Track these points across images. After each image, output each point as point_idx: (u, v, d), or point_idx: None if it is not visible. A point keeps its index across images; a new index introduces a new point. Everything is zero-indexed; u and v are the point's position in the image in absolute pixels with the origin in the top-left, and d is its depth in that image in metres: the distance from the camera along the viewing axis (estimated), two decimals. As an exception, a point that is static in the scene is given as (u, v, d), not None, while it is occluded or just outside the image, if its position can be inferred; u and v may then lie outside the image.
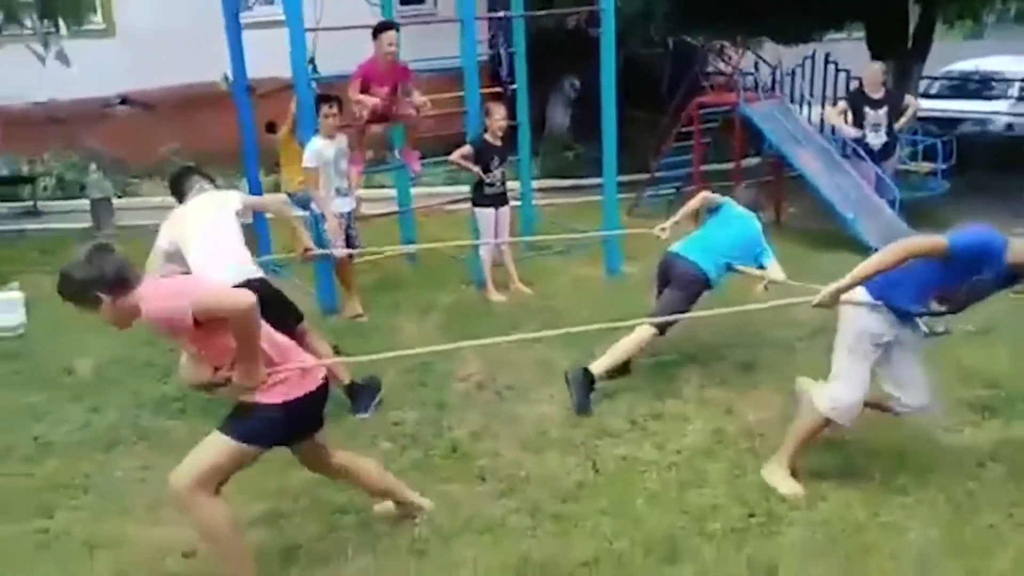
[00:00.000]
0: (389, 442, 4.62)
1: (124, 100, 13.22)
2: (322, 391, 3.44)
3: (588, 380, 4.96)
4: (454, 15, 7.58)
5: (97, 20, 11.91)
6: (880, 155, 8.89)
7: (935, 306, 3.71)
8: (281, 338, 3.46)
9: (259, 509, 3.98)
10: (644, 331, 5.00)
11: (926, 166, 10.12)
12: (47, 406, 5.20)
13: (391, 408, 5.00)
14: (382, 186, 9.80)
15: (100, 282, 3.12)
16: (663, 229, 5.62)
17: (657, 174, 10.97)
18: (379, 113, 6.90)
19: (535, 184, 9.48)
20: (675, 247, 5.39)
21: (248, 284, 4.30)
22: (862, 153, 8.89)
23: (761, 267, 5.29)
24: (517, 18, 8.36)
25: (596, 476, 4.19)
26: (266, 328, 3.31)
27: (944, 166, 9.91)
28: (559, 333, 4.40)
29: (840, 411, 3.82)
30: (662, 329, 5.04)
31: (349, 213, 6.61)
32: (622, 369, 5.20)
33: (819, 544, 3.50)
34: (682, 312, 5.01)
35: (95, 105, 12.75)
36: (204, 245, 4.53)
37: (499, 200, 7.16)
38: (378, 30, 6.69)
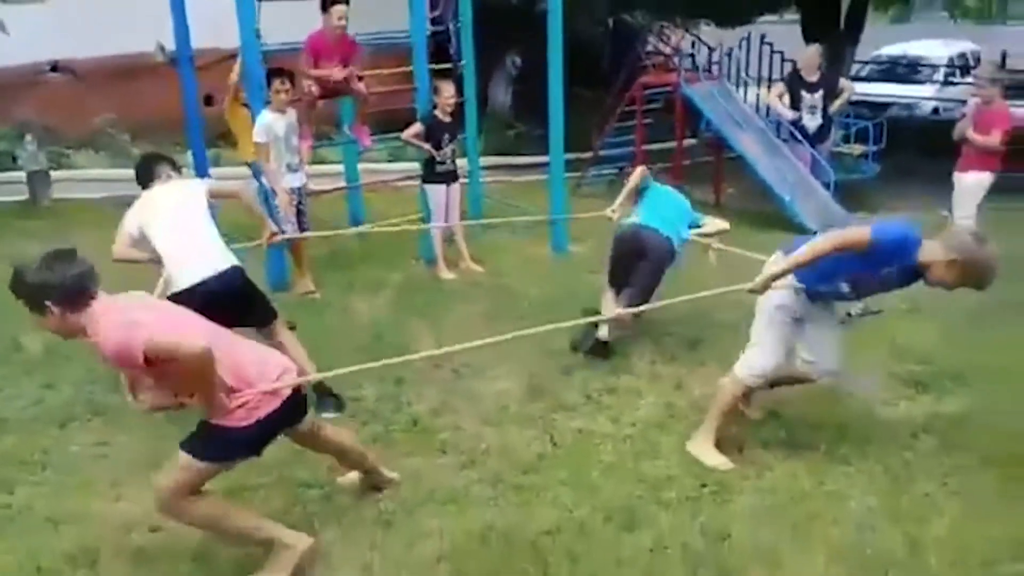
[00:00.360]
0: (349, 417, 4.68)
1: (55, 67, 12.80)
2: (289, 403, 3.31)
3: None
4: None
5: (25, -17, 11.49)
6: (815, 137, 9.19)
7: (844, 288, 3.89)
8: (245, 357, 3.27)
9: (225, 483, 4.00)
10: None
11: (858, 148, 10.50)
12: (-2, 383, 5.13)
13: (349, 386, 5.05)
14: (323, 162, 9.74)
15: (54, 292, 3.02)
16: (613, 211, 5.75)
17: (600, 153, 11.14)
18: (329, 88, 6.89)
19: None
20: (636, 219, 5.52)
21: (221, 276, 4.33)
22: (798, 135, 9.18)
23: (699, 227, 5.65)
24: (464, -7, 8.37)
25: (554, 448, 4.33)
26: (226, 351, 3.16)
27: (875, 149, 10.30)
28: (549, 329, 4.32)
29: (756, 375, 4.07)
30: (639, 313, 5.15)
31: (299, 188, 6.61)
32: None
33: (768, 511, 3.70)
34: (655, 284, 5.31)
35: (26, 73, 12.34)
36: (173, 233, 4.37)
37: (450, 177, 7.22)
38: (327, 3, 6.65)
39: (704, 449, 4.15)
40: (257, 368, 3.28)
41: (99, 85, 12.36)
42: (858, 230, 3.67)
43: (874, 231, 3.61)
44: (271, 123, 6.30)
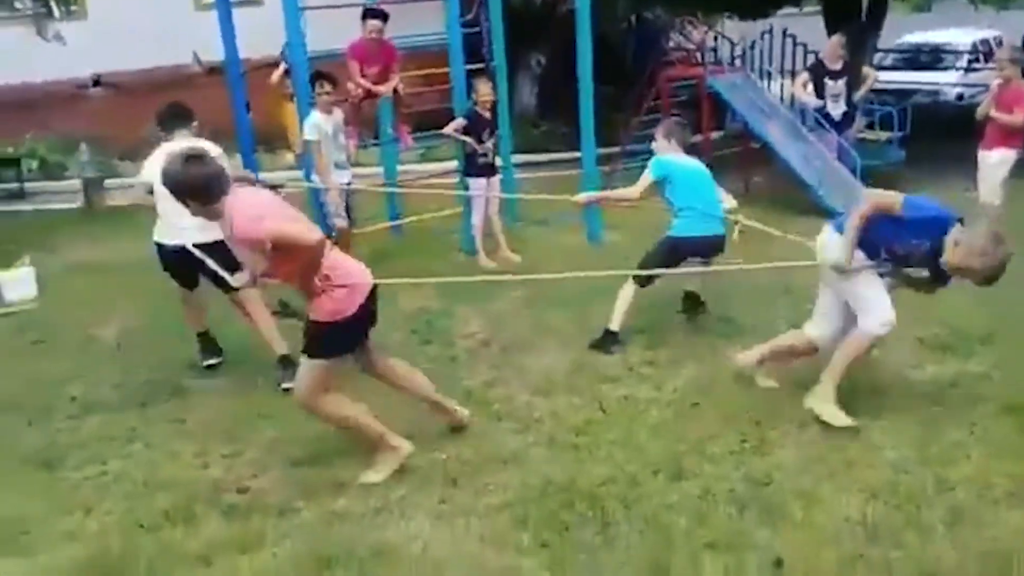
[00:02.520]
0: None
1: (97, 82, 13.31)
2: (366, 309, 3.95)
3: None
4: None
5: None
6: (841, 124, 9.42)
7: (883, 256, 4.22)
8: (334, 257, 3.94)
9: (299, 453, 4.34)
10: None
11: (884, 135, 10.70)
12: (78, 370, 5.51)
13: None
14: (357, 164, 10.06)
15: (185, 191, 3.75)
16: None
17: (628, 147, 11.41)
18: (369, 91, 7.27)
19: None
20: (688, 231, 5.43)
21: (207, 246, 4.56)
22: (824, 123, 9.41)
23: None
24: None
25: (602, 414, 4.62)
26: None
27: (900, 134, 10.49)
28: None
29: (885, 324, 4.23)
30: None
31: (348, 184, 6.96)
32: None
33: (807, 460, 3.98)
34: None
35: (68, 87, 12.85)
36: (163, 194, 4.40)
37: (490, 170, 7.56)
38: (363, 17, 7.07)
39: (825, 405, 4.28)
40: (342, 265, 3.94)
41: (139, 97, 12.81)
42: (890, 193, 4.14)
43: (905, 199, 4.06)
44: (320, 122, 6.66)
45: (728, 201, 5.91)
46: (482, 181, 7.51)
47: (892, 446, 4.07)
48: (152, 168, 4.80)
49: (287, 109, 7.75)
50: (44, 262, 7.54)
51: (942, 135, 11.72)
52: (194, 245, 4.58)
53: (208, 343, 5.56)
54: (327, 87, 6.77)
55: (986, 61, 15.49)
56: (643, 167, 5.66)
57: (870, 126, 10.95)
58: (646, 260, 5.50)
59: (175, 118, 5.32)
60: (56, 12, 9.03)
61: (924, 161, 10.49)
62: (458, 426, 4.44)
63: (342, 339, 3.96)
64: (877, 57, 13.89)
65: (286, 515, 3.79)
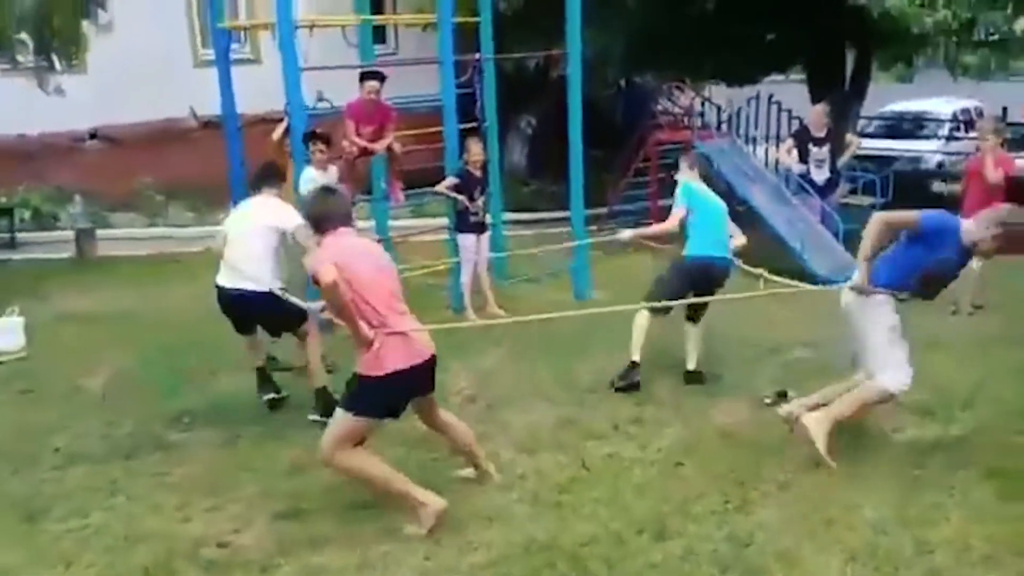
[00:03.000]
0: (401, 447, 4.99)
1: (94, 135, 13.44)
2: (423, 366, 4.00)
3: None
4: (416, 55, 8.03)
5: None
6: (824, 189, 9.61)
7: (919, 286, 4.39)
8: (392, 306, 3.99)
9: (281, 507, 4.34)
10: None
11: (866, 200, 10.89)
12: (64, 421, 5.49)
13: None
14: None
15: (306, 213, 4.35)
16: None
17: (616, 207, 11.59)
18: (364, 149, 7.41)
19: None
20: (700, 251, 5.77)
21: (240, 293, 5.30)
22: (808, 188, 9.60)
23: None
24: (487, 60, 8.91)
25: (587, 472, 4.64)
26: (377, 292, 3.93)
27: (882, 200, 10.69)
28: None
29: (901, 387, 4.49)
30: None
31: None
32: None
33: (788, 520, 4.01)
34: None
35: (64, 139, 12.96)
36: (232, 241, 5.41)
37: (480, 228, 7.67)
38: (362, 78, 7.25)
39: (820, 432, 4.47)
40: (398, 316, 4.01)
41: (134, 150, 12.95)
42: (907, 213, 4.41)
43: (921, 215, 4.33)
44: (314, 178, 6.76)
45: (739, 238, 6.04)
46: (472, 238, 7.61)
47: (872, 507, 4.10)
48: (229, 220, 5.61)
49: (288, 164, 7.85)
50: (34, 311, 7.54)
51: (923, 202, 11.93)
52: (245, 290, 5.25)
53: (264, 379, 5.72)
54: (320, 145, 6.90)
55: (966, 130, 15.82)
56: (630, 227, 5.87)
57: (853, 192, 11.16)
58: (656, 285, 5.76)
59: (265, 178, 5.78)
60: (58, 65, 9.14)
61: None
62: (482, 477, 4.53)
63: (375, 398, 3.96)
64: (860, 124, 14.17)
65: (267, 571, 3.78)
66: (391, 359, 3.90)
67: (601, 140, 15.34)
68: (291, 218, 5.30)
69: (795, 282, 5.93)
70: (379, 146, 7.34)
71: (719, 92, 15.33)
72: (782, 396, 5.43)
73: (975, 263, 7.29)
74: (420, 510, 4.00)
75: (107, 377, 6.23)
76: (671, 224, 5.94)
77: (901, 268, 4.39)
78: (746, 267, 5.89)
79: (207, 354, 6.55)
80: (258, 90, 8.92)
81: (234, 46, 12.69)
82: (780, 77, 16.04)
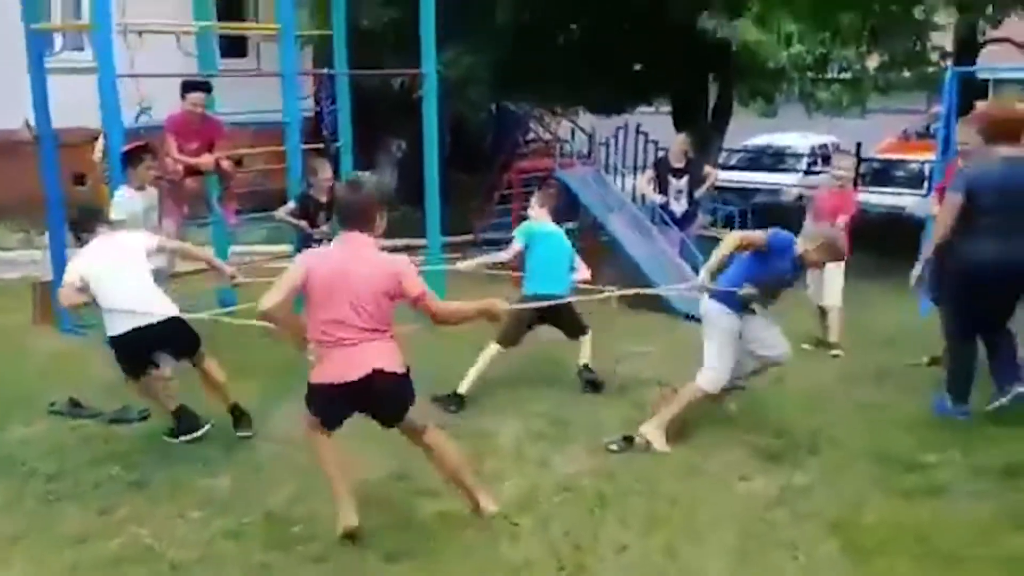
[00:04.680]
0: (198, 510, 4.44)
1: (-92, 145, 12.21)
2: (350, 387, 3.94)
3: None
4: (277, 70, 7.56)
5: None
6: (683, 221, 9.54)
7: (750, 289, 4.95)
8: (327, 324, 3.92)
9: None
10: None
11: (724, 232, 10.93)
12: None
13: (205, 474, 4.83)
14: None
15: None
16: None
17: (481, 235, 11.28)
18: (192, 167, 6.81)
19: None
20: (536, 288, 6.06)
21: (150, 326, 5.00)
22: (667, 219, 9.51)
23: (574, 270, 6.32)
24: (340, 75, 8.44)
25: (413, 533, 4.21)
26: (317, 311, 3.94)
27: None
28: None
29: (716, 387, 5.12)
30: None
31: (162, 269, 6.39)
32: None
33: (624, 589, 3.68)
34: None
35: None
36: (113, 285, 4.99)
37: (323, 255, 7.15)
38: (184, 90, 6.65)
39: (656, 435, 5.08)
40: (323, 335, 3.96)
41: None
42: (756, 233, 5.13)
43: (768, 235, 5.02)
44: (129, 200, 6.14)
45: (582, 272, 6.33)
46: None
47: (714, 569, 3.84)
48: (73, 270, 5.07)
49: (103, 191, 7.18)
50: None
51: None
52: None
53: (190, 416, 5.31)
54: (148, 160, 6.29)
55: (824, 164, 16.33)
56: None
57: (712, 223, 11.20)
58: (506, 326, 5.73)
59: (86, 224, 5.32)
60: None
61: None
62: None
63: (315, 401, 4.10)
64: (723, 157, 14.39)
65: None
66: (317, 373, 4.04)
67: (471, 165, 15.16)
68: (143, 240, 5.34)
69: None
70: (203, 161, 6.73)
71: (588, 120, 15.32)
72: (628, 441, 5.16)
73: (829, 301, 7.35)
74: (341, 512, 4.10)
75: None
76: (506, 256, 6.31)
77: (739, 276, 5.04)
78: (588, 286, 6.34)
79: (2, 399, 5.81)
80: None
81: (75, 52, 11.91)
82: (649, 108, 16.22)
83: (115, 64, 6.24)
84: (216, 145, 6.83)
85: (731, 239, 5.08)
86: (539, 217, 6.35)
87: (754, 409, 5.72)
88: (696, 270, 9.32)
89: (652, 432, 5.10)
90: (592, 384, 6.13)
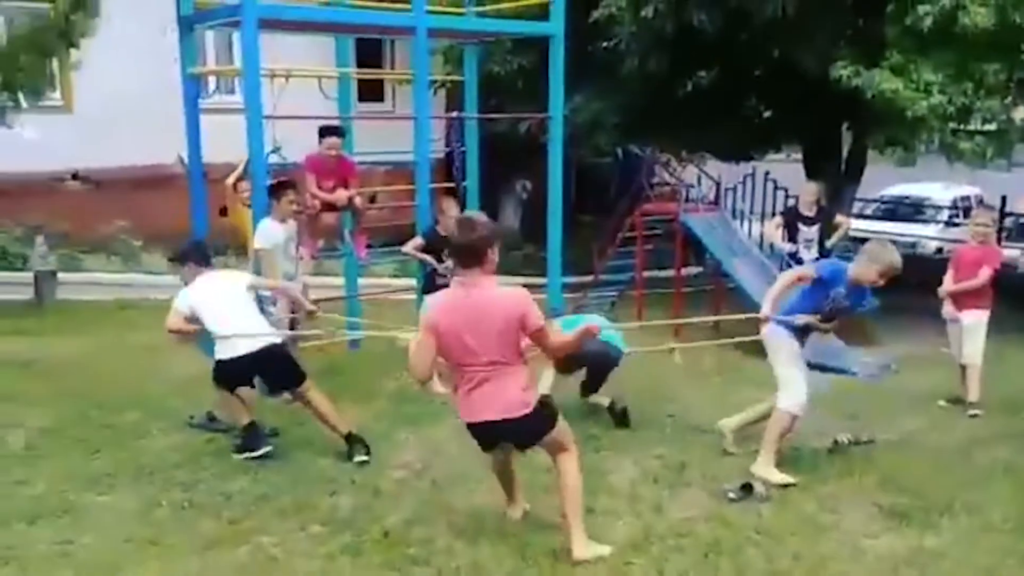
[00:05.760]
0: (320, 526, 4.60)
1: (75, 176, 13.23)
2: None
3: None
4: (411, 113, 7.86)
5: (55, 96, 11.99)
6: (813, 270, 9.27)
7: (808, 319, 5.22)
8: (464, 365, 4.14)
9: None
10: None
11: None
12: (-28, 475, 5.10)
13: (326, 493, 5.00)
14: (326, 274, 9.87)
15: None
16: None
17: (601, 277, 11.29)
18: (327, 203, 7.15)
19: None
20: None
21: (258, 353, 5.46)
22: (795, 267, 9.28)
23: None
24: (469, 119, 8.69)
25: (526, 567, 4.21)
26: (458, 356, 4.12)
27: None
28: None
29: (800, 404, 5.23)
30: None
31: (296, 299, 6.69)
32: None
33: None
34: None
35: (43, 179, 12.72)
36: (219, 313, 5.47)
37: (449, 291, 7.32)
38: (321, 134, 7.02)
39: (767, 470, 5.15)
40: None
41: (114, 194, 12.70)
42: (806, 268, 5.60)
43: (816, 268, 5.41)
44: (273, 231, 6.46)
45: None
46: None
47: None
48: (183, 301, 5.56)
49: (242, 214, 7.59)
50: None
51: (918, 287, 11.65)
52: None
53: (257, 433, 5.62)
54: (291, 196, 6.62)
55: (965, 217, 15.63)
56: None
57: (845, 274, 10.84)
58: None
59: (201, 257, 5.86)
60: (23, 103, 8.96)
61: (899, 311, 10.31)
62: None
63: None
64: (858, 207, 13.94)
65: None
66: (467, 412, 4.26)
67: (594, 207, 15.23)
68: (246, 277, 5.92)
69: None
70: (340, 198, 7.08)
71: (715, 166, 15.18)
72: (747, 489, 5.03)
73: (968, 359, 6.98)
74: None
75: (32, 430, 5.85)
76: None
77: (799, 306, 5.30)
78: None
79: (144, 412, 6.18)
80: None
81: (226, 95, 12.70)
82: (779, 156, 15.93)
83: (262, 106, 6.59)
84: (349, 183, 7.16)
85: (785, 276, 5.52)
86: None
87: (882, 465, 5.50)
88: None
89: (762, 468, 5.17)
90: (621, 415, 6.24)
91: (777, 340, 5.29)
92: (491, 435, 4.28)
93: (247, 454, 5.46)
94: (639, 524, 4.66)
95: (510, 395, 4.12)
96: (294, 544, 4.38)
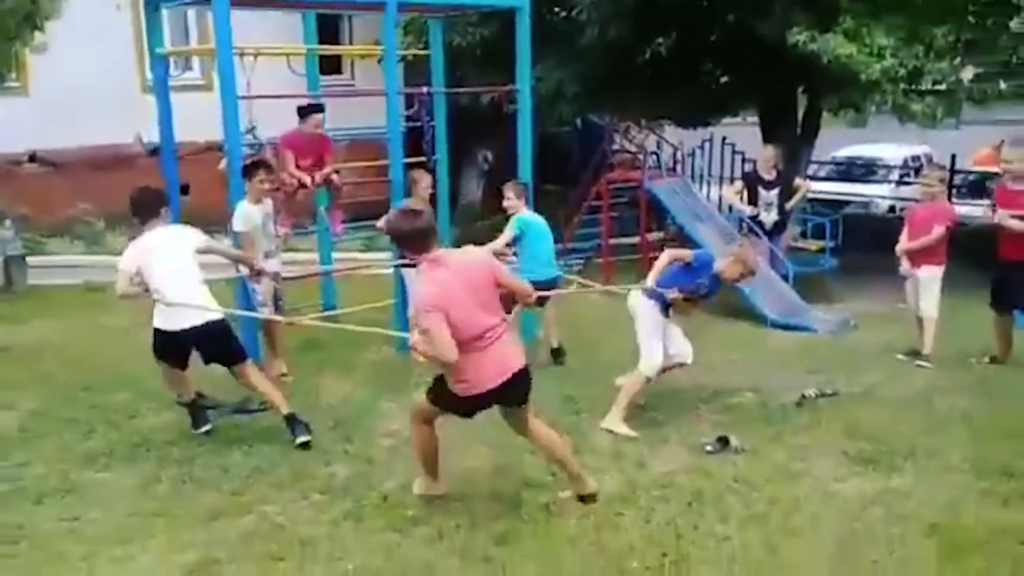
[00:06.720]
0: (319, 494, 4.78)
1: (32, 158, 13.05)
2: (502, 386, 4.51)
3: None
4: (374, 86, 7.92)
5: (11, 77, 11.80)
6: (773, 232, 9.60)
7: (675, 295, 5.65)
8: (477, 333, 4.23)
9: (194, 557, 4.10)
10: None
11: (815, 243, 10.93)
12: (-29, 458, 5.19)
13: (321, 463, 5.17)
14: (294, 250, 9.94)
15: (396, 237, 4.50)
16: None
17: (568, 244, 11.50)
18: (304, 180, 7.23)
19: (452, 252, 9.82)
20: (529, 275, 6.14)
21: (203, 327, 5.29)
22: (757, 230, 9.58)
23: None
24: (438, 94, 8.78)
25: (522, 523, 4.44)
26: (468, 328, 4.18)
27: (832, 244, 10.73)
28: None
29: (654, 369, 5.71)
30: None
31: (276, 274, 6.81)
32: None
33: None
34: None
35: (2, 163, 12.56)
36: (166, 276, 5.24)
37: (423, 263, 7.47)
38: (306, 112, 7.07)
39: (616, 424, 5.60)
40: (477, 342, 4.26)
41: (74, 175, 12.56)
42: (684, 252, 5.93)
43: (694, 255, 5.88)
44: (249, 212, 6.54)
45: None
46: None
47: (815, 563, 3.98)
48: (129, 260, 5.27)
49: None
50: (-47, 341, 7.22)
51: (873, 246, 12.03)
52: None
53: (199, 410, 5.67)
54: (262, 175, 6.68)
55: (916, 176, 16.07)
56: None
57: (803, 235, 11.20)
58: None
59: (149, 209, 5.47)
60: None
61: (855, 270, 10.70)
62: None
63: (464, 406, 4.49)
64: (812, 168, 14.30)
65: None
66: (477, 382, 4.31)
67: (557, 176, 15.40)
68: (194, 237, 5.54)
69: (598, 285, 7.48)
70: (317, 177, 7.17)
71: (673, 132, 15.41)
72: (724, 442, 5.31)
73: (924, 312, 7.31)
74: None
75: (23, 414, 5.92)
76: (500, 244, 6.99)
77: (670, 282, 5.72)
78: (581, 280, 7.56)
79: (132, 392, 6.28)
80: (208, 117, 8.69)
81: (183, 73, 12.60)
82: (735, 119, 16.21)
83: (236, 85, 6.64)
84: (326, 160, 7.24)
85: (666, 254, 5.84)
86: (519, 208, 7.15)
87: (847, 416, 5.82)
88: (786, 280, 9.46)
89: (612, 422, 5.62)
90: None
91: (642, 310, 5.78)
92: (506, 390, 4.31)
93: (196, 430, 5.57)
94: (624, 479, 4.92)
95: (516, 345, 4.44)
96: (297, 512, 4.56)
